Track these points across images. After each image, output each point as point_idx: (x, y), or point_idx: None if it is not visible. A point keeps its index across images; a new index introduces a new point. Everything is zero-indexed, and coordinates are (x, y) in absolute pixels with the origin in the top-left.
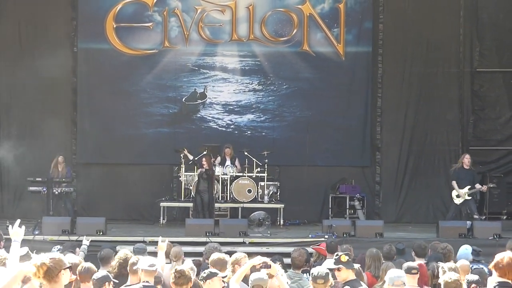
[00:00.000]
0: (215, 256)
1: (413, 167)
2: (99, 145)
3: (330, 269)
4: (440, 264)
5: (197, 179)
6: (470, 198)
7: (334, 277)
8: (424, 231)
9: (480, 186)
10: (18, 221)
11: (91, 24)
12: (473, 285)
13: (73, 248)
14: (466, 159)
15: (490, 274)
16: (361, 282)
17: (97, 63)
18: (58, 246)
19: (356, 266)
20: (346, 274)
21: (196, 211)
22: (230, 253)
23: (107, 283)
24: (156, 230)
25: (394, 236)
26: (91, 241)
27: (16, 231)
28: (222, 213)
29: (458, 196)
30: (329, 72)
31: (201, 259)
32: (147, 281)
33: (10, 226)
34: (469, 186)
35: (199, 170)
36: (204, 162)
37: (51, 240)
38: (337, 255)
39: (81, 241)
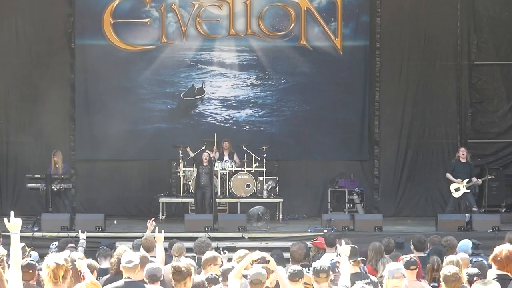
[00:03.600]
0: (207, 255)
1: (411, 160)
2: (98, 142)
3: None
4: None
5: (196, 174)
6: (468, 191)
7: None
8: (423, 224)
9: (476, 180)
10: (12, 213)
11: (88, 20)
12: (475, 278)
13: (67, 244)
14: (461, 152)
15: (490, 267)
16: (367, 275)
17: (95, 59)
18: (56, 243)
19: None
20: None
21: (198, 207)
22: (229, 248)
23: (161, 275)
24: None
25: (393, 230)
26: (91, 237)
27: (14, 223)
28: (221, 208)
29: (456, 189)
30: (327, 66)
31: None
32: (128, 277)
33: (6, 219)
34: (467, 179)
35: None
36: (206, 157)
37: (50, 236)
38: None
39: (78, 237)
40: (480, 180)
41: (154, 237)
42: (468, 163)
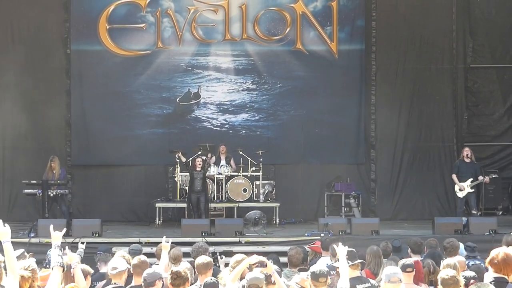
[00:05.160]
0: (199, 260)
1: (408, 163)
2: (94, 147)
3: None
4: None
5: (190, 179)
6: (472, 190)
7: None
8: (420, 227)
9: (482, 178)
10: (0, 220)
11: (84, 25)
12: (472, 280)
13: (63, 249)
14: (465, 152)
15: (487, 270)
16: (368, 278)
17: (91, 64)
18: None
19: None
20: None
21: (192, 211)
22: (226, 253)
23: (157, 280)
24: (152, 231)
25: (390, 233)
26: (87, 243)
27: (2, 231)
28: (218, 213)
29: (460, 189)
30: (322, 70)
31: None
32: (115, 283)
33: None
34: (471, 179)
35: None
36: (200, 163)
37: (47, 242)
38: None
39: (76, 243)
40: (487, 177)
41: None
42: (472, 162)
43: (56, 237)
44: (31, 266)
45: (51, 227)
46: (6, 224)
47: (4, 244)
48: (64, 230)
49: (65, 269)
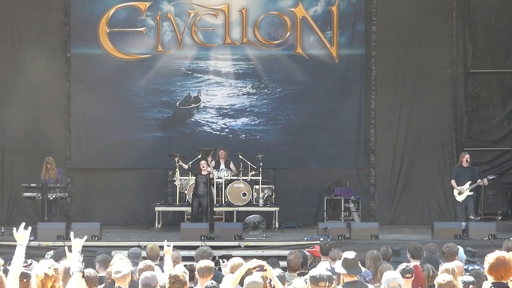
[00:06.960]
0: (201, 264)
1: (407, 168)
2: (93, 150)
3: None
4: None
5: (194, 183)
6: (472, 193)
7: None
8: (419, 232)
9: (480, 180)
10: (23, 224)
11: (84, 29)
12: (471, 286)
13: (63, 253)
14: (465, 158)
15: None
16: (365, 283)
17: (90, 68)
18: (51, 252)
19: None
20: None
21: (194, 216)
22: (225, 257)
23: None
24: (151, 234)
25: (390, 238)
26: (87, 246)
27: (22, 234)
28: (217, 217)
29: (459, 193)
30: (322, 74)
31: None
32: (119, 286)
33: (14, 229)
34: (469, 182)
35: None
36: (204, 166)
37: (46, 245)
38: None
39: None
40: (485, 179)
41: (162, 247)
42: (470, 167)
43: (77, 244)
44: (54, 265)
45: (72, 234)
46: (28, 227)
47: (18, 246)
48: (85, 237)
49: (84, 274)
